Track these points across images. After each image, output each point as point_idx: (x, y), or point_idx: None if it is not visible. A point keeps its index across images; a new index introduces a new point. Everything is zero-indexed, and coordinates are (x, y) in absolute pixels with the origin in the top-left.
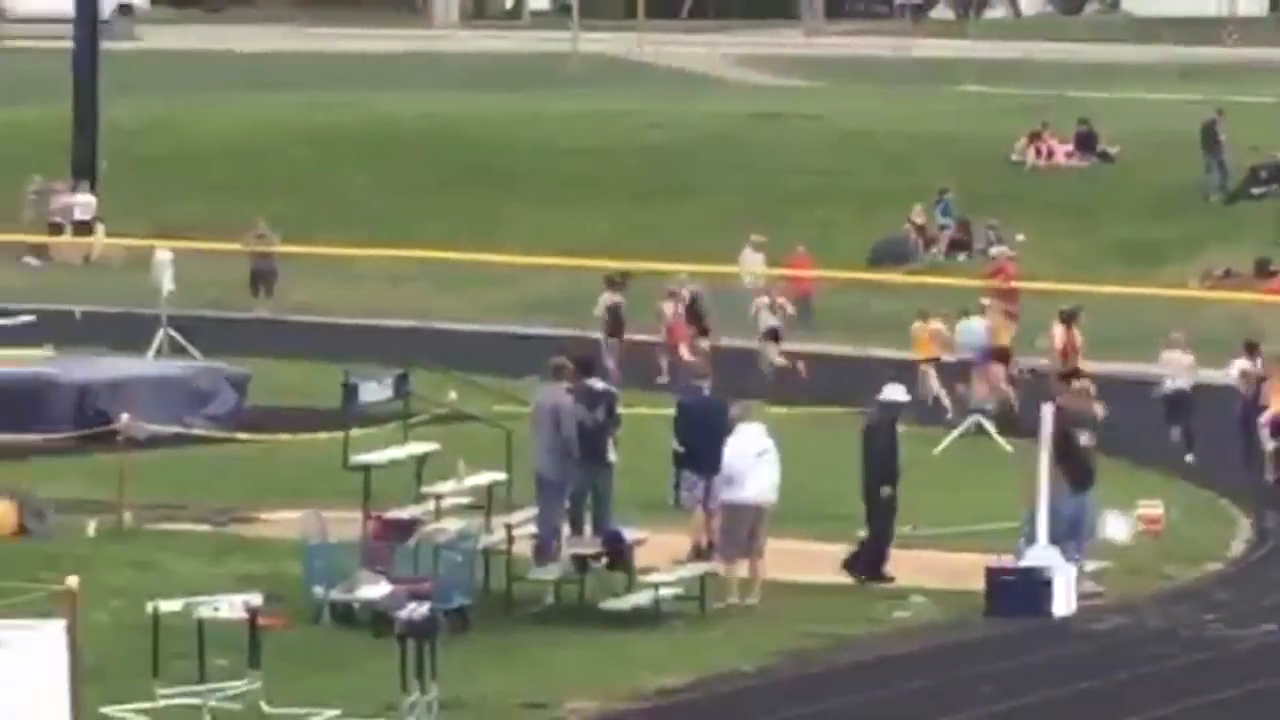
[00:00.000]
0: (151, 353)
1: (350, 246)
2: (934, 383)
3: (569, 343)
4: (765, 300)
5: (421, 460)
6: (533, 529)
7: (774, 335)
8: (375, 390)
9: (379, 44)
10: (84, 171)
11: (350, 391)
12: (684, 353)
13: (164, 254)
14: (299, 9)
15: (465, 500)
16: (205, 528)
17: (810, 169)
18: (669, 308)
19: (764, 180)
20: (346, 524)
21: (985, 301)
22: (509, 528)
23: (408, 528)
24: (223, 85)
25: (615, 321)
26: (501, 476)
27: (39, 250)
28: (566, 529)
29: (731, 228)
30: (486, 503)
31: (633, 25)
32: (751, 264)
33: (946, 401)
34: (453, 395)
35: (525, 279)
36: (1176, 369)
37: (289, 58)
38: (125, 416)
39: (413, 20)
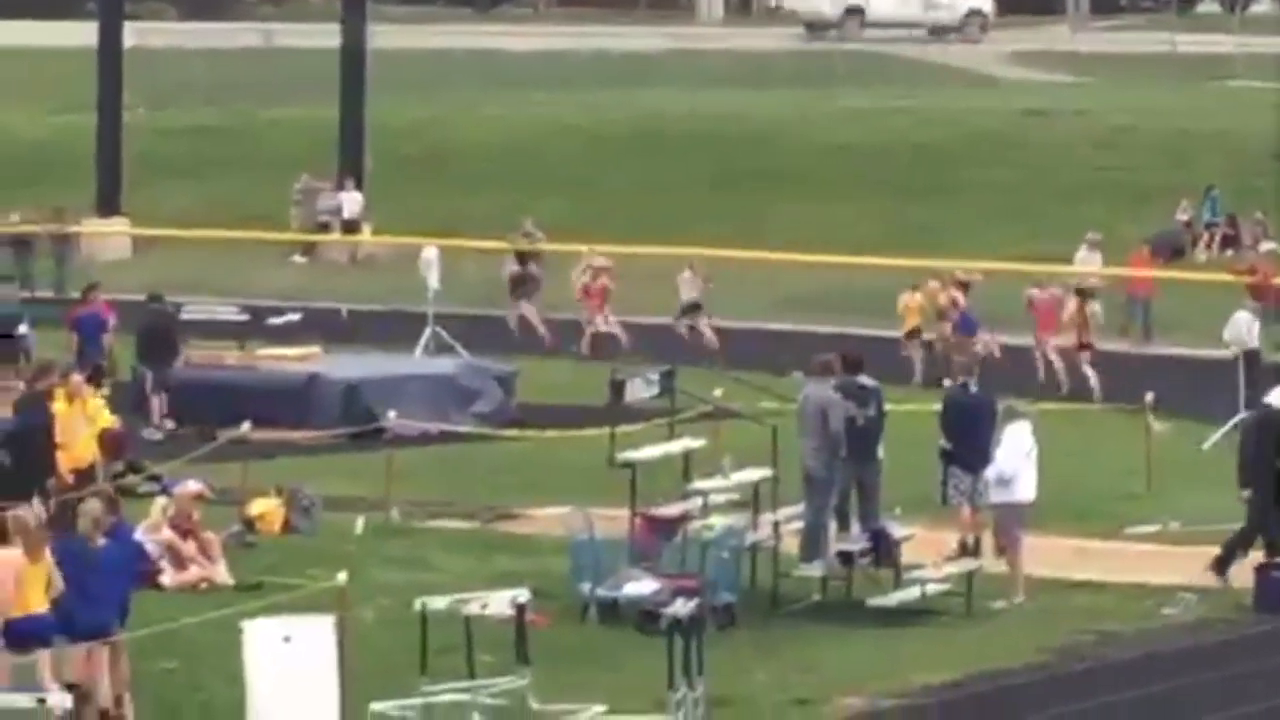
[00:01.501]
0: (419, 350)
1: (617, 244)
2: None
3: (836, 339)
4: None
5: (688, 457)
6: (799, 525)
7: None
8: (642, 387)
9: (645, 42)
10: (351, 170)
11: (617, 388)
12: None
13: (430, 252)
14: (565, 7)
15: (732, 497)
16: (472, 524)
17: (1078, 165)
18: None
19: (1032, 177)
20: (613, 521)
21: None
22: (776, 524)
23: (674, 524)
24: (490, 84)
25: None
26: (768, 473)
27: (306, 249)
28: (833, 525)
29: (1000, 223)
30: (753, 499)
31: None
32: (1089, 263)
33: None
34: (719, 392)
35: (792, 276)
36: None
37: (556, 56)
38: (393, 414)
39: (678, 17)
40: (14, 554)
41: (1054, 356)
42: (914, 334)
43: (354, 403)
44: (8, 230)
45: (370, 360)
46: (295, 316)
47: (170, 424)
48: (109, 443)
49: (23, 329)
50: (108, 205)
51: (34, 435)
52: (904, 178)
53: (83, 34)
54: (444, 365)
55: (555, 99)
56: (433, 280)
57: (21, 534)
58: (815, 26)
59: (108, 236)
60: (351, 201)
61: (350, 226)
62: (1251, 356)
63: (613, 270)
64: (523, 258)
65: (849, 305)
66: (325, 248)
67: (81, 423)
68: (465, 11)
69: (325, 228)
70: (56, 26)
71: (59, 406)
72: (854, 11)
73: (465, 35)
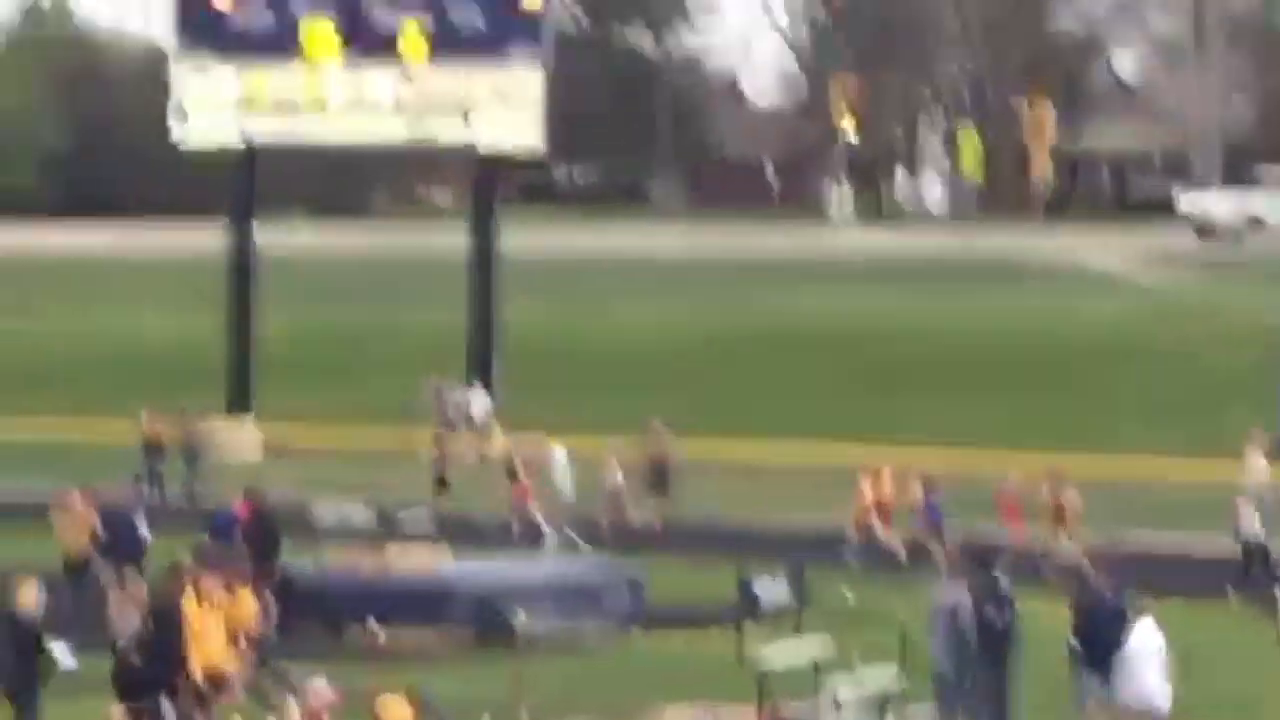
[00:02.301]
0: (547, 550)
1: (748, 445)
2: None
3: (966, 538)
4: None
5: (818, 657)
6: None
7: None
8: (771, 588)
9: (774, 243)
10: (480, 372)
11: (746, 589)
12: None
13: (560, 454)
14: (695, 211)
15: (862, 697)
16: None
17: (1213, 366)
18: None
19: (1162, 378)
20: None
21: None
22: None
23: None
24: (619, 287)
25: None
26: (896, 673)
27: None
28: None
29: (1126, 420)
30: (883, 700)
31: (1026, 222)
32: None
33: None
34: (848, 593)
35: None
36: None
37: (687, 258)
38: (522, 616)
39: (807, 218)
40: None
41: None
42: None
43: (484, 604)
44: (139, 432)
45: (500, 562)
46: (425, 518)
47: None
48: (236, 644)
49: (143, 530)
50: (238, 408)
51: (165, 636)
52: (1028, 375)
53: (214, 238)
54: (573, 567)
55: (686, 302)
56: (561, 481)
57: None
58: (1205, 232)
59: (238, 439)
60: (480, 403)
61: (479, 427)
62: None
63: None
64: (656, 459)
65: (982, 503)
66: (455, 449)
67: (213, 623)
68: (597, 214)
69: (453, 428)
70: (189, 231)
71: (189, 607)
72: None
73: (597, 237)
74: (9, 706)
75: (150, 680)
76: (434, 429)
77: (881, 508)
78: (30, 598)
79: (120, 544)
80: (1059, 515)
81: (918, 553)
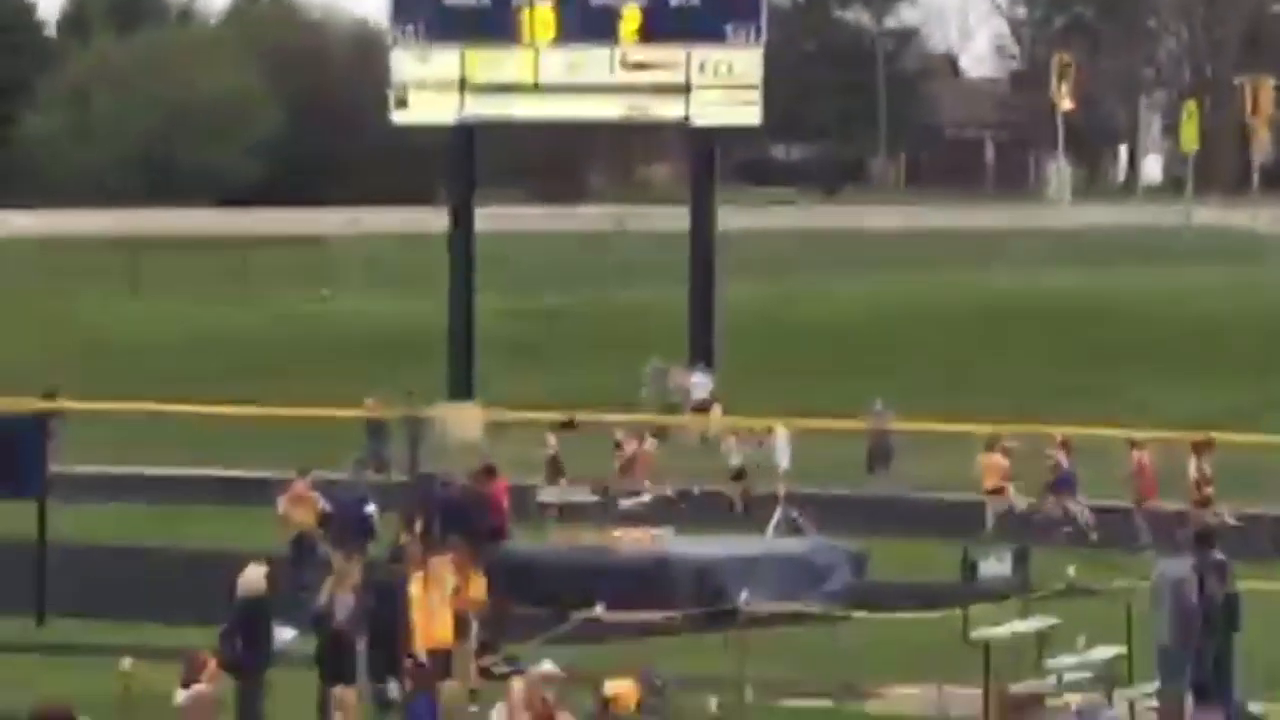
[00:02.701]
0: (769, 530)
1: (967, 422)
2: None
3: (1184, 516)
4: None
5: (1042, 635)
6: (1155, 702)
7: None
8: (995, 566)
9: (993, 220)
10: (701, 352)
11: (970, 567)
12: None
13: (782, 432)
14: (913, 188)
15: (1087, 674)
16: (827, 703)
17: None
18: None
19: None
20: (967, 699)
21: None
22: (1131, 702)
23: (1030, 702)
24: (840, 264)
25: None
26: (1122, 650)
27: (658, 430)
28: (1190, 700)
29: None
30: (1108, 676)
31: (1247, 197)
32: None
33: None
34: (1071, 570)
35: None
36: None
37: (905, 236)
38: (745, 594)
39: (1027, 196)
40: None
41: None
42: (995, 492)
43: (706, 583)
44: (363, 414)
45: (722, 541)
46: (647, 497)
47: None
48: (462, 625)
49: (369, 509)
50: (460, 389)
51: (387, 616)
52: (1251, 353)
53: (436, 221)
54: (795, 545)
55: (907, 279)
56: (783, 461)
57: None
58: None
59: (461, 420)
60: (702, 383)
61: (700, 407)
62: None
63: None
64: (877, 437)
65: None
66: (676, 429)
67: (438, 603)
68: (815, 192)
69: (675, 409)
70: (411, 214)
71: (414, 589)
72: None
73: (814, 215)
74: (236, 683)
75: (373, 661)
76: (654, 408)
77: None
78: (257, 579)
79: (347, 524)
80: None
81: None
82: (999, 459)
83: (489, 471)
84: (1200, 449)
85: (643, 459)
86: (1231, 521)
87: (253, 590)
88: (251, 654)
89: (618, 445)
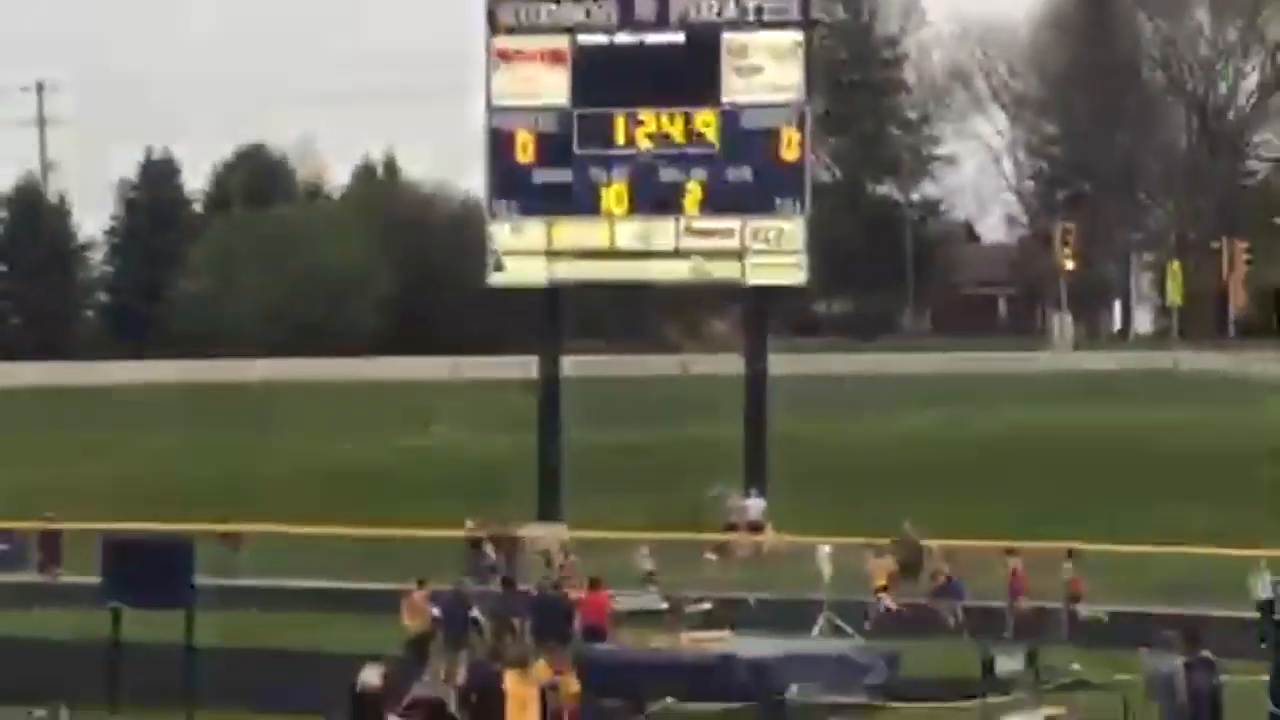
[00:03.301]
0: (815, 632)
1: (985, 538)
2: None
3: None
4: None
5: None
6: None
7: None
8: (1009, 662)
9: (1005, 365)
10: (756, 478)
11: (988, 664)
12: None
13: (824, 548)
14: (937, 337)
15: None
16: None
17: None
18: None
19: None
20: None
21: None
22: None
23: None
24: (875, 403)
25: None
26: None
27: (718, 547)
28: None
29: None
30: None
31: (1231, 344)
32: None
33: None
34: (1075, 666)
35: (1140, 567)
36: None
37: (930, 378)
38: (794, 688)
39: (1034, 343)
40: None
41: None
42: (882, 589)
43: (762, 679)
44: (465, 534)
45: (774, 642)
46: (708, 605)
47: None
48: (552, 717)
49: (474, 613)
50: (549, 513)
51: (486, 705)
52: (1237, 481)
53: (524, 368)
54: (838, 645)
55: (933, 415)
56: (827, 572)
57: None
58: None
59: (550, 540)
60: (756, 505)
61: (755, 527)
62: None
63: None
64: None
65: (1189, 592)
66: (735, 546)
67: (532, 697)
68: (850, 341)
69: (733, 528)
70: (502, 360)
71: (511, 681)
72: None
73: (852, 362)
74: None
75: None
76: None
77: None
78: (374, 677)
79: (454, 627)
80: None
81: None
82: (887, 562)
83: (594, 583)
84: (1073, 554)
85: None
86: (1101, 615)
87: (370, 686)
88: None
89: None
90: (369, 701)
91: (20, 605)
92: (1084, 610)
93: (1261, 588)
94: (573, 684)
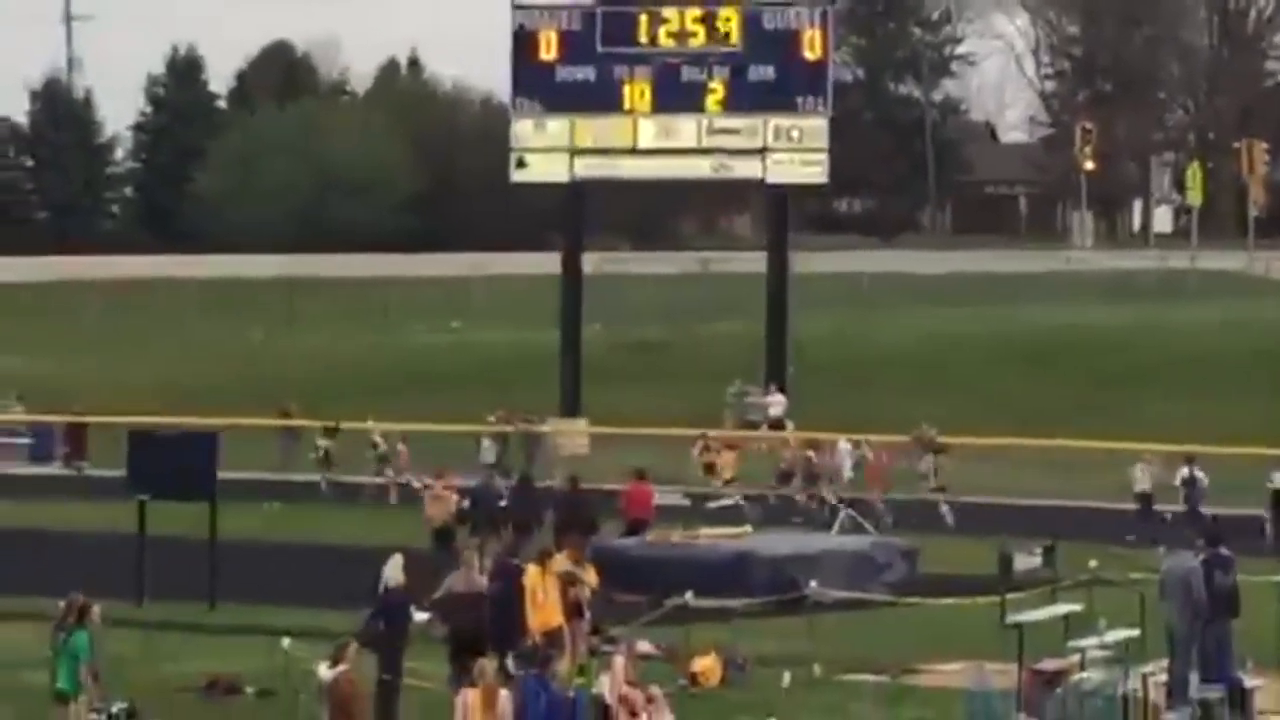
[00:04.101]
0: (834, 529)
1: (1006, 437)
2: None
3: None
4: None
5: (1068, 619)
6: (1164, 678)
7: None
8: (1027, 560)
9: (1027, 264)
10: (776, 376)
11: (1006, 561)
12: None
13: (845, 445)
14: (959, 235)
15: (1106, 653)
16: (883, 678)
17: None
18: None
19: None
20: (1004, 675)
21: None
22: (1144, 677)
23: (1057, 677)
24: (896, 301)
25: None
26: (1136, 633)
27: (737, 443)
28: (1195, 677)
29: None
30: (1124, 655)
31: (1245, 244)
32: None
33: None
34: (1093, 563)
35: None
36: None
37: (952, 277)
38: (813, 584)
39: (1055, 243)
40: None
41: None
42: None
43: (780, 574)
44: (490, 429)
45: (794, 538)
46: (730, 501)
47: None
48: (571, 609)
49: (504, 504)
50: (570, 408)
51: (507, 599)
52: (1250, 379)
53: (548, 263)
54: (857, 542)
55: (954, 314)
56: (846, 469)
57: (481, 678)
58: None
59: (571, 434)
60: (776, 403)
61: (776, 424)
62: None
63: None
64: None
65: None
66: (753, 442)
67: (552, 589)
68: (873, 240)
69: (754, 425)
70: (527, 257)
71: (531, 575)
72: None
73: (873, 259)
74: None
75: (494, 637)
76: (735, 425)
77: None
78: (397, 571)
79: (483, 516)
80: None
81: None
82: (729, 456)
83: (640, 474)
84: (938, 449)
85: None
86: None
87: (395, 581)
88: (391, 634)
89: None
90: (395, 596)
91: (47, 498)
92: None
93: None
94: (591, 577)
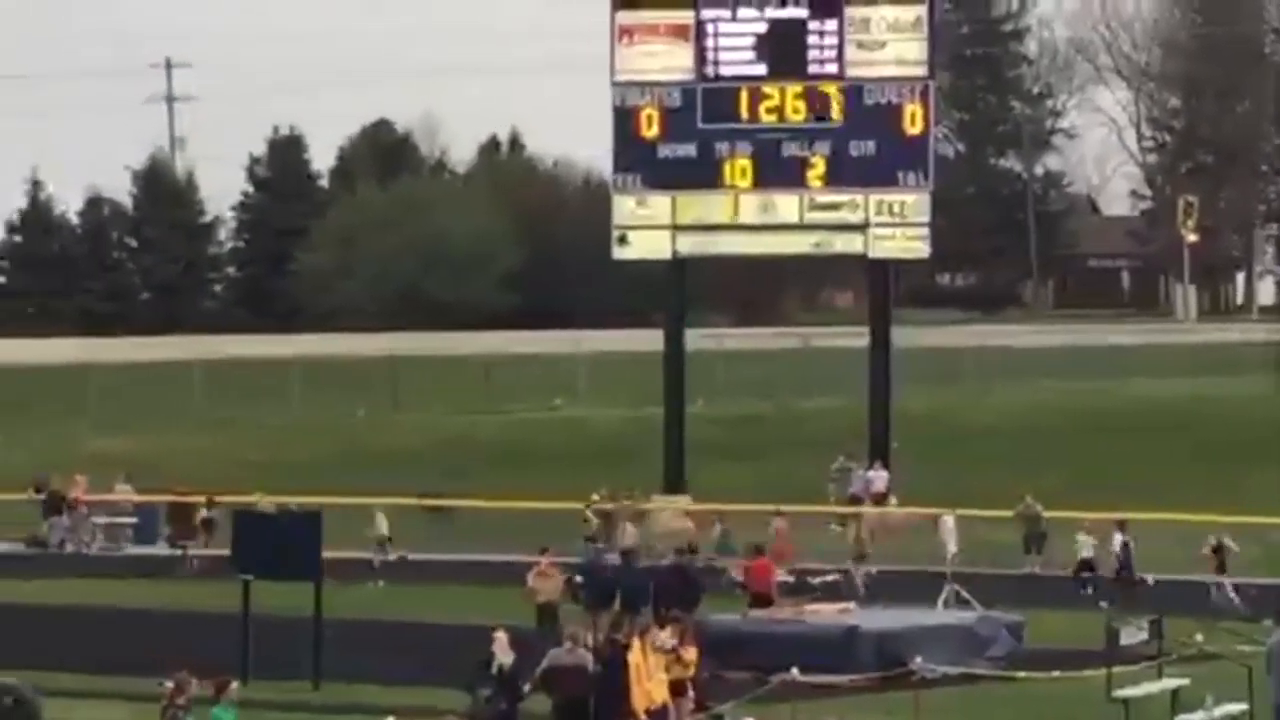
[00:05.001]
0: (939, 604)
1: (1109, 511)
2: None
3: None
4: None
5: (1175, 693)
6: None
7: None
8: (1133, 633)
9: (1130, 337)
10: (879, 451)
11: (1112, 634)
12: None
13: (948, 519)
14: (1062, 309)
15: None
16: None
17: None
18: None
19: None
20: None
21: None
22: None
23: None
24: (998, 375)
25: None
26: (1244, 707)
27: (841, 519)
28: None
29: None
30: None
31: None
32: None
33: None
34: (1199, 637)
35: (1269, 534)
36: None
37: (1055, 351)
38: (918, 659)
39: (1158, 316)
40: None
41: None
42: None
43: (885, 650)
44: (595, 506)
45: (899, 613)
46: (833, 577)
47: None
48: (675, 687)
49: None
50: (673, 484)
51: (614, 676)
52: None
53: (650, 340)
54: (962, 616)
55: (1055, 386)
56: (950, 544)
57: None
58: None
59: (674, 511)
60: (879, 478)
61: (878, 499)
62: None
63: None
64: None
65: None
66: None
67: (656, 666)
68: (975, 314)
69: (857, 500)
70: (628, 334)
71: (634, 655)
72: None
73: (975, 335)
74: None
75: (599, 715)
76: (838, 500)
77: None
78: (506, 651)
79: (595, 594)
80: None
81: None
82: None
83: (758, 550)
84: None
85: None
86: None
87: (503, 657)
88: (498, 702)
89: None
90: (504, 673)
91: (150, 577)
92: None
93: None
94: (690, 654)
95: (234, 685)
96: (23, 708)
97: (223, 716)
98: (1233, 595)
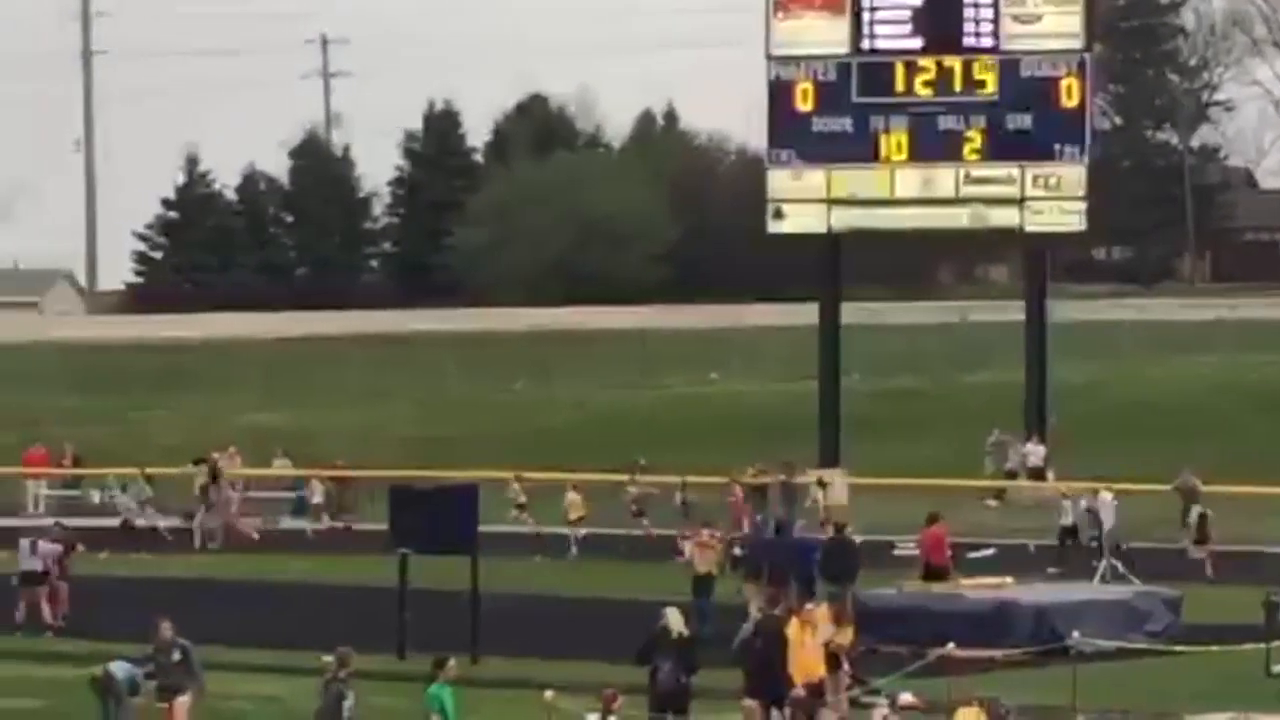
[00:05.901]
0: (1097, 578)
1: (1267, 485)
2: None
3: None
4: None
5: None
6: None
7: None
8: None
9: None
10: (1035, 424)
11: (1272, 609)
12: None
13: (1106, 495)
14: (1218, 283)
15: None
16: None
17: None
18: None
19: None
20: None
21: None
22: None
23: None
24: (1155, 349)
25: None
26: None
27: (998, 494)
28: None
29: None
30: None
31: None
32: None
33: None
34: None
35: None
36: None
37: (1212, 325)
38: (1076, 634)
39: None
40: None
41: None
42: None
43: (1042, 624)
44: (748, 480)
45: (1056, 588)
46: (990, 551)
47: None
48: (831, 660)
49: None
50: (828, 458)
51: (769, 651)
52: None
53: (805, 314)
54: (1119, 591)
55: (1209, 360)
56: (1108, 519)
57: None
58: None
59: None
60: (1036, 452)
61: (1036, 474)
62: None
63: None
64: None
65: None
66: (1014, 492)
67: (810, 643)
68: (1131, 287)
69: (1013, 475)
70: (783, 308)
71: (792, 630)
72: None
73: (1132, 308)
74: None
75: (759, 687)
76: (994, 475)
77: None
78: (679, 621)
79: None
80: None
81: None
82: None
83: (933, 518)
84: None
85: None
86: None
87: (676, 629)
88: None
89: None
90: (683, 641)
91: (310, 552)
92: None
93: None
94: (848, 629)
95: (451, 663)
96: (188, 660)
97: (440, 694)
98: None
